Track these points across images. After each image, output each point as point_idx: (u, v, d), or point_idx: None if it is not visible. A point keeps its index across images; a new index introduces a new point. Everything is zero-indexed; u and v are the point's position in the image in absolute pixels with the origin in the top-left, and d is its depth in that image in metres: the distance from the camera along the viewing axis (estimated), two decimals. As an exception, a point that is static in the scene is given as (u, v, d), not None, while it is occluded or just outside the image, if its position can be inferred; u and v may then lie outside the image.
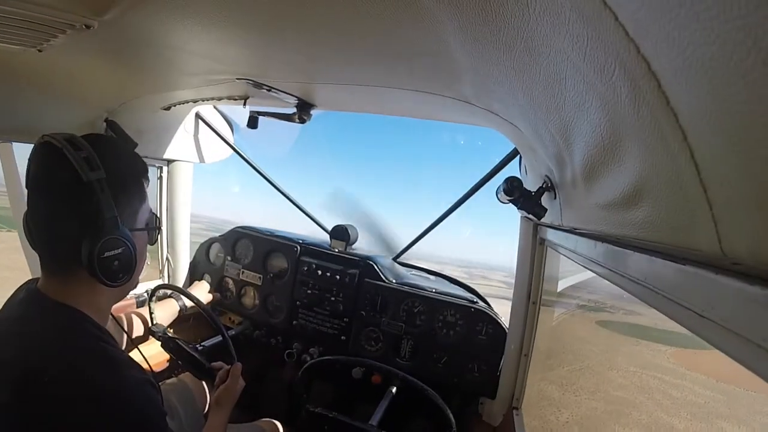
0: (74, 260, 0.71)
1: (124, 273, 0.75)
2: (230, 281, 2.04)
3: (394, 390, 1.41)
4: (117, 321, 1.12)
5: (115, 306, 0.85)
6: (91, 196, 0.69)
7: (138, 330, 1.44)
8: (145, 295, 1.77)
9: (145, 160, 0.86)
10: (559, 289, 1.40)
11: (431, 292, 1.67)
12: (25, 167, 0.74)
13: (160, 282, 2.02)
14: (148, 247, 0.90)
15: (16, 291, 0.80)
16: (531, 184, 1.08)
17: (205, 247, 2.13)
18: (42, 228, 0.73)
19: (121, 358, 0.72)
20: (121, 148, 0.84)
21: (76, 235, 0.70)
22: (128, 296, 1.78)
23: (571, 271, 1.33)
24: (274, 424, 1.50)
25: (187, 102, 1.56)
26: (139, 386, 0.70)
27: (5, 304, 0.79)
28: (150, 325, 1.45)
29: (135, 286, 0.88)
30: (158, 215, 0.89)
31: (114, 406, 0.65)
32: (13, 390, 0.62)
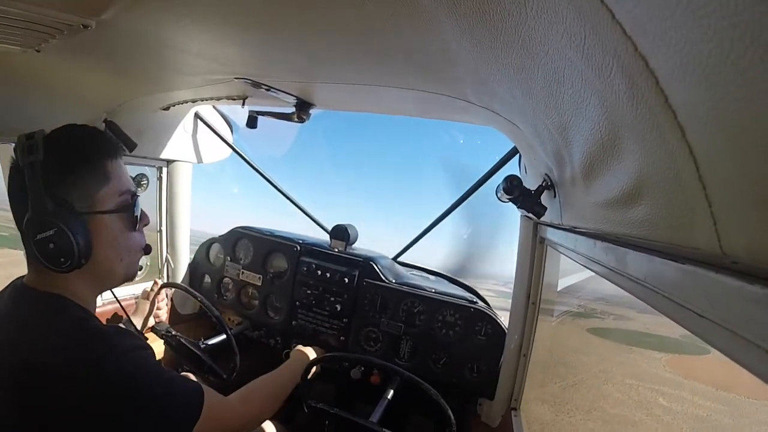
0: None
1: (66, 256, 0.70)
2: (230, 281, 2.04)
3: (392, 390, 1.41)
4: (120, 317, 1.13)
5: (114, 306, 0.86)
6: (24, 181, 0.69)
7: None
8: None
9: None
10: (551, 297, 1.38)
11: (431, 292, 1.67)
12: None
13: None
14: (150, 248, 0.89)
15: (3, 289, 0.81)
16: (531, 183, 1.08)
17: (205, 247, 2.13)
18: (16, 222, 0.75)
19: (110, 331, 0.72)
20: (81, 131, 0.79)
21: (21, 221, 0.71)
22: (128, 297, 1.79)
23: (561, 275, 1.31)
24: (273, 422, 1.50)
25: (186, 102, 1.55)
26: (133, 352, 0.71)
27: None
28: (153, 324, 1.46)
29: (123, 277, 0.84)
30: (136, 193, 0.86)
31: (114, 378, 0.66)
32: (8, 383, 0.63)
